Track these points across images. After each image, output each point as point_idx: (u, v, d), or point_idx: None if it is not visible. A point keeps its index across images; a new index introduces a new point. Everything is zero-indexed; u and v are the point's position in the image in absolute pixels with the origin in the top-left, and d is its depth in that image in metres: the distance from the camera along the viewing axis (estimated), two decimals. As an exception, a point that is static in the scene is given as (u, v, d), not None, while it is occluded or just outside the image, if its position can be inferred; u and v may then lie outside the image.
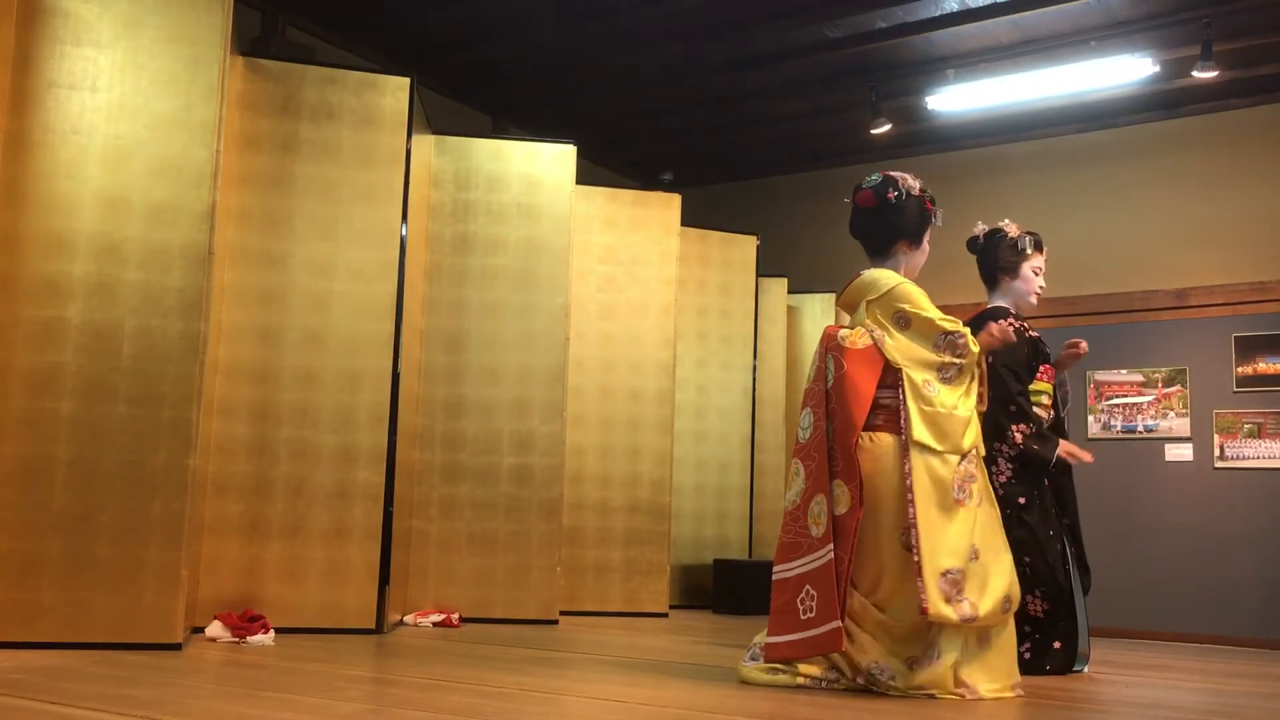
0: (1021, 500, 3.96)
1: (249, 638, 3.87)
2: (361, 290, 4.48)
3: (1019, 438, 3.99)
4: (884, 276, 3.43)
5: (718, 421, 6.65)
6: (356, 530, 4.36)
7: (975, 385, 3.36)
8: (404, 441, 4.65)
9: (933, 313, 3.35)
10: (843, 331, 3.42)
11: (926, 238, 3.57)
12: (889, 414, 3.28)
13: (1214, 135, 6.53)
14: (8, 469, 3.50)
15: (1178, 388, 6.39)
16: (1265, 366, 6.18)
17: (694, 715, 2.75)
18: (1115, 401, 6.53)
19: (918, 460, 3.20)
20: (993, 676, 3.21)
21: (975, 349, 3.34)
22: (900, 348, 3.32)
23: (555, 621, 5.10)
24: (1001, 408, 3.99)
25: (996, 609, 3.20)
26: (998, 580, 3.22)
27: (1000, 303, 4.26)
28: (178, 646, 3.55)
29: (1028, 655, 3.93)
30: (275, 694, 2.83)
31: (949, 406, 3.25)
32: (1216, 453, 6.24)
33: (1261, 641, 5.91)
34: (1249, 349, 6.23)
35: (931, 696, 3.11)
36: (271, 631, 3.99)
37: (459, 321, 5.22)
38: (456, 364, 5.20)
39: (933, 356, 3.30)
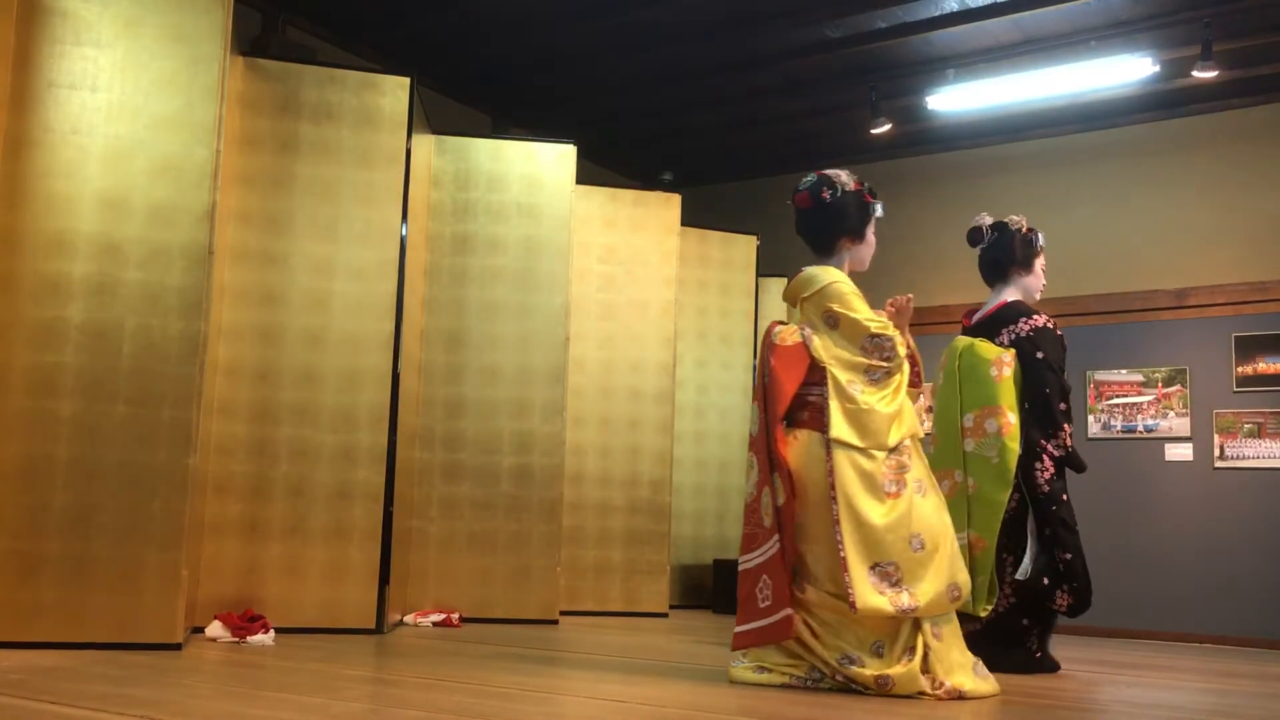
0: (1064, 497, 4.01)
1: (249, 638, 3.87)
2: (361, 290, 4.48)
3: (1068, 439, 4.04)
4: (819, 275, 3.45)
5: (718, 421, 6.65)
6: (357, 530, 4.36)
7: (904, 381, 3.36)
8: (404, 441, 4.65)
9: (862, 313, 3.35)
10: (777, 328, 3.46)
11: (870, 229, 3.57)
12: (814, 410, 3.31)
13: (1214, 135, 6.52)
14: (8, 469, 3.50)
15: (1178, 387, 6.39)
16: (1265, 366, 6.18)
17: (694, 715, 2.75)
18: (1115, 401, 6.53)
19: (840, 457, 3.22)
20: (958, 668, 3.19)
21: (903, 353, 3.34)
22: (827, 346, 3.34)
23: (555, 621, 5.10)
24: (1056, 404, 4.03)
25: (942, 598, 3.18)
26: (942, 569, 3.20)
27: (1011, 297, 4.25)
28: (178, 646, 3.55)
29: (1038, 654, 3.99)
30: (275, 694, 2.83)
31: (871, 403, 3.25)
32: (1216, 453, 6.24)
33: (1261, 641, 5.91)
34: (1249, 349, 6.23)
35: (901, 696, 3.10)
36: (271, 631, 3.99)
37: (459, 321, 5.22)
38: (456, 364, 5.20)
39: (860, 358, 3.31)
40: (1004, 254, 4.27)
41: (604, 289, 5.96)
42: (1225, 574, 6.10)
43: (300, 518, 4.33)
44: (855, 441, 3.22)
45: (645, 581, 5.83)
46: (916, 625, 3.18)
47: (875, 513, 3.18)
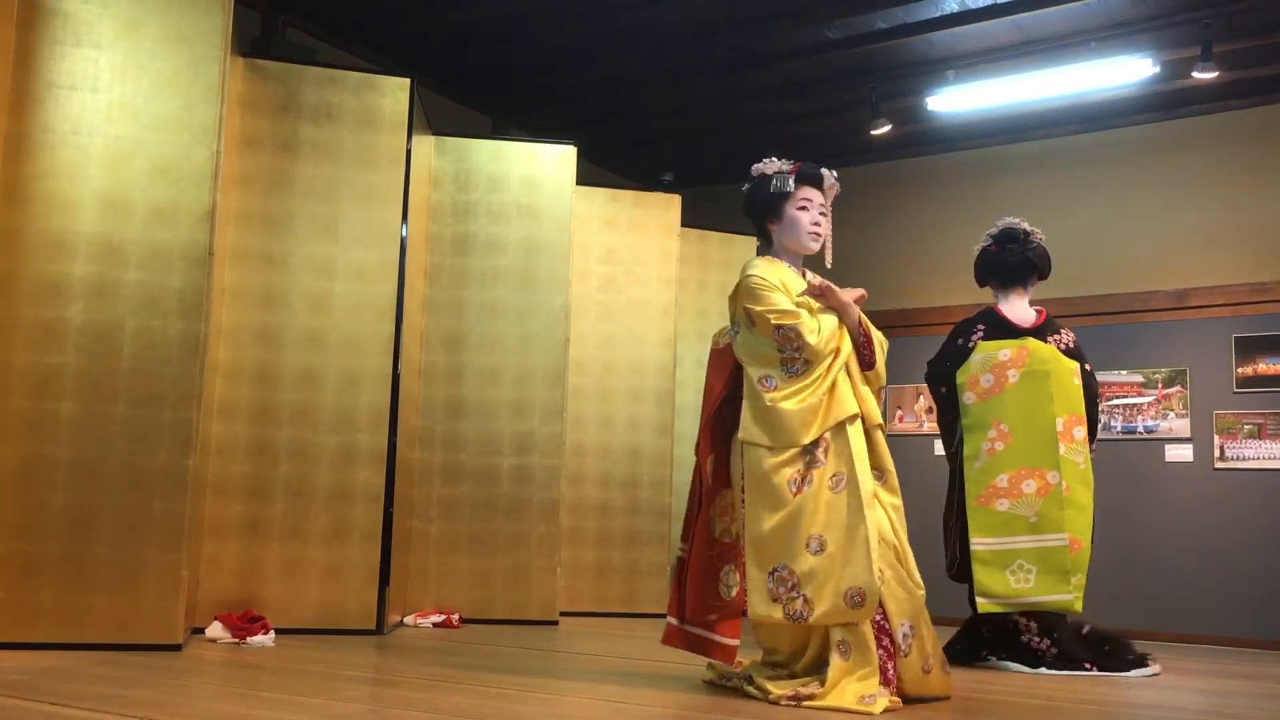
0: None
1: (249, 638, 3.87)
2: (362, 291, 4.48)
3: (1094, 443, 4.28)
4: (745, 269, 3.34)
5: (718, 422, 6.64)
6: (356, 531, 4.36)
7: (832, 367, 3.16)
8: (404, 442, 4.65)
9: (773, 304, 3.19)
10: (718, 331, 3.46)
11: (789, 207, 3.35)
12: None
13: (1214, 136, 6.52)
14: (8, 469, 3.50)
15: (1178, 388, 6.38)
16: (1265, 367, 6.17)
17: (693, 715, 2.75)
18: (1115, 402, 6.52)
19: (750, 458, 3.13)
20: (845, 694, 2.92)
21: (813, 340, 3.13)
22: (745, 344, 3.26)
23: (555, 622, 5.10)
24: (1098, 410, 4.26)
25: (838, 606, 2.95)
26: (841, 575, 2.97)
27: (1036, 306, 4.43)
28: (178, 647, 3.55)
29: None
30: (275, 694, 2.83)
31: (776, 400, 3.11)
32: (1217, 453, 6.23)
33: (1261, 642, 5.91)
34: (1249, 350, 6.22)
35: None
36: (271, 632, 3.99)
37: (459, 322, 5.22)
38: (456, 365, 5.20)
39: (774, 352, 3.18)
40: (1043, 262, 4.37)
41: (604, 290, 5.96)
42: (1225, 575, 6.10)
43: (300, 518, 4.33)
44: (763, 441, 3.10)
45: (645, 582, 5.82)
46: (825, 636, 3.02)
47: (775, 514, 3.04)
